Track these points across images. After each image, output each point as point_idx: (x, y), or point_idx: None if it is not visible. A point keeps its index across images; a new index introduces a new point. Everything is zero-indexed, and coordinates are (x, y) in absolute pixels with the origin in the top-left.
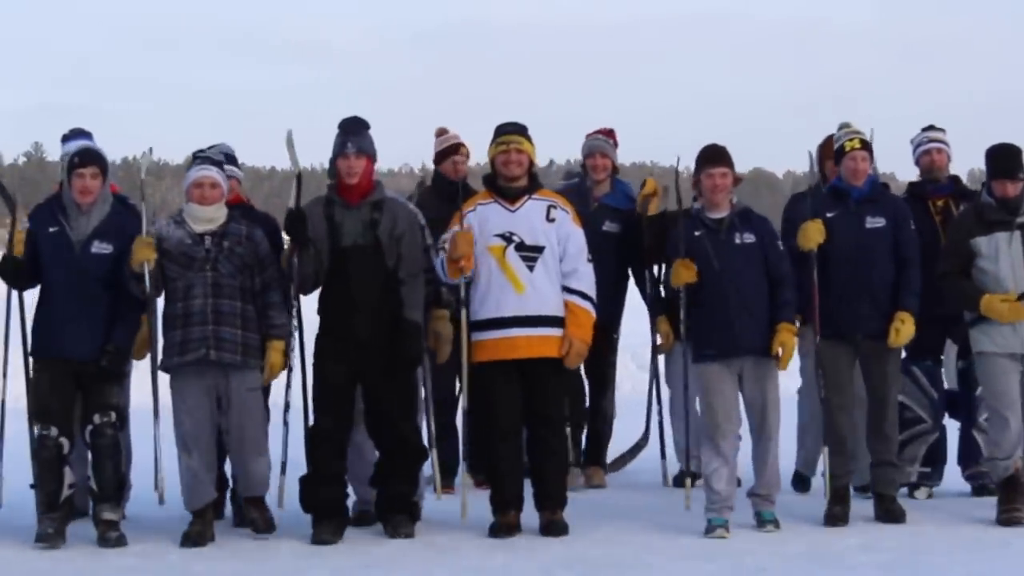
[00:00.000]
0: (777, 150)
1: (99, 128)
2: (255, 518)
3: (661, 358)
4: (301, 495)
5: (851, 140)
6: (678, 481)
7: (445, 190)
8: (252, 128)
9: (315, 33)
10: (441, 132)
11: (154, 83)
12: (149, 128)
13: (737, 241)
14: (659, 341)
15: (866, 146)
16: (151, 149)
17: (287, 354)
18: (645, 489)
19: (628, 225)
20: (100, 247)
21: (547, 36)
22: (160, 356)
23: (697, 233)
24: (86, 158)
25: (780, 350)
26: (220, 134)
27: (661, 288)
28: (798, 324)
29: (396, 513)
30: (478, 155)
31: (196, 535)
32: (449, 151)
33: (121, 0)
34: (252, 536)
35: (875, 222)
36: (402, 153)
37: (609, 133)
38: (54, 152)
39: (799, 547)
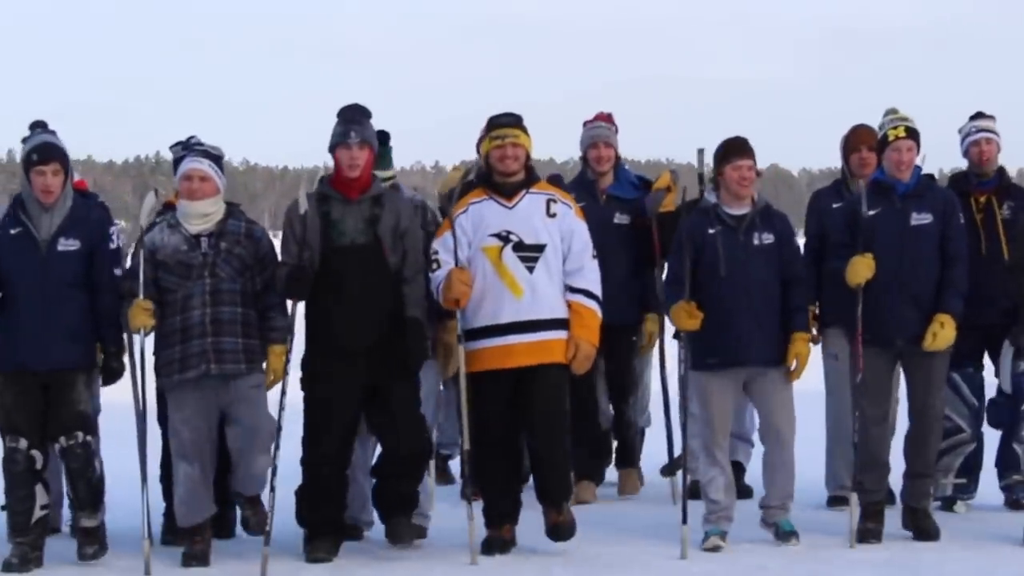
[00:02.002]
0: (793, 147)
1: (113, 127)
2: (248, 515)
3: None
4: (297, 509)
5: (895, 128)
6: (670, 469)
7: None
8: (268, 128)
9: (340, 33)
10: None
11: (172, 83)
12: (165, 128)
13: (755, 242)
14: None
15: (912, 135)
16: (157, 191)
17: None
18: (645, 489)
19: (638, 215)
20: (67, 244)
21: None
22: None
23: (711, 231)
24: (46, 154)
25: (795, 362)
26: (236, 134)
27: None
28: (815, 329)
29: (396, 514)
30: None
31: (200, 554)
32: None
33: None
34: (247, 536)
35: (921, 218)
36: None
37: (608, 119)
38: None
39: (798, 545)
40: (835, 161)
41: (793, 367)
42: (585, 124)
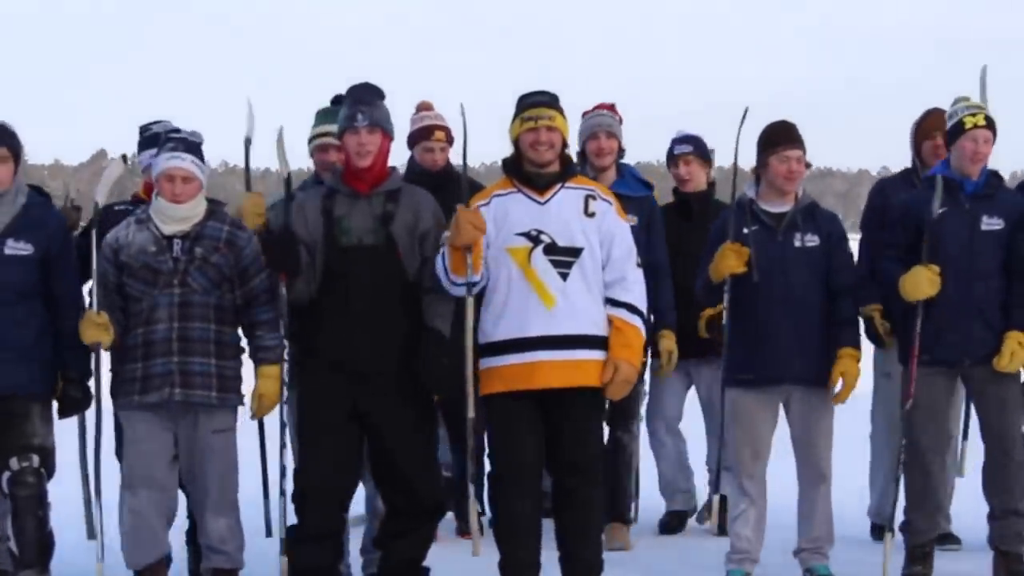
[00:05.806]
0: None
1: (84, 128)
2: None
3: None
4: (284, 554)
5: (973, 115)
6: (701, 517)
7: (424, 182)
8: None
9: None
10: (422, 107)
11: (149, 82)
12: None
13: (797, 244)
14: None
15: (991, 126)
16: (126, 157)
17: (282, 383)
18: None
19: (648, 216)
20: (16, 247)
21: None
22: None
23: (746, 230)
24: None
25: (840, 381)
26: (215, 134)
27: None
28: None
29: None
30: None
31: None
32: (419, 135)
33: None
34: None
35: (992, 223)
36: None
37: (611, 108)
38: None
39: None
40: (838, 158)
41: (839, 388)
42: (584, 115)
